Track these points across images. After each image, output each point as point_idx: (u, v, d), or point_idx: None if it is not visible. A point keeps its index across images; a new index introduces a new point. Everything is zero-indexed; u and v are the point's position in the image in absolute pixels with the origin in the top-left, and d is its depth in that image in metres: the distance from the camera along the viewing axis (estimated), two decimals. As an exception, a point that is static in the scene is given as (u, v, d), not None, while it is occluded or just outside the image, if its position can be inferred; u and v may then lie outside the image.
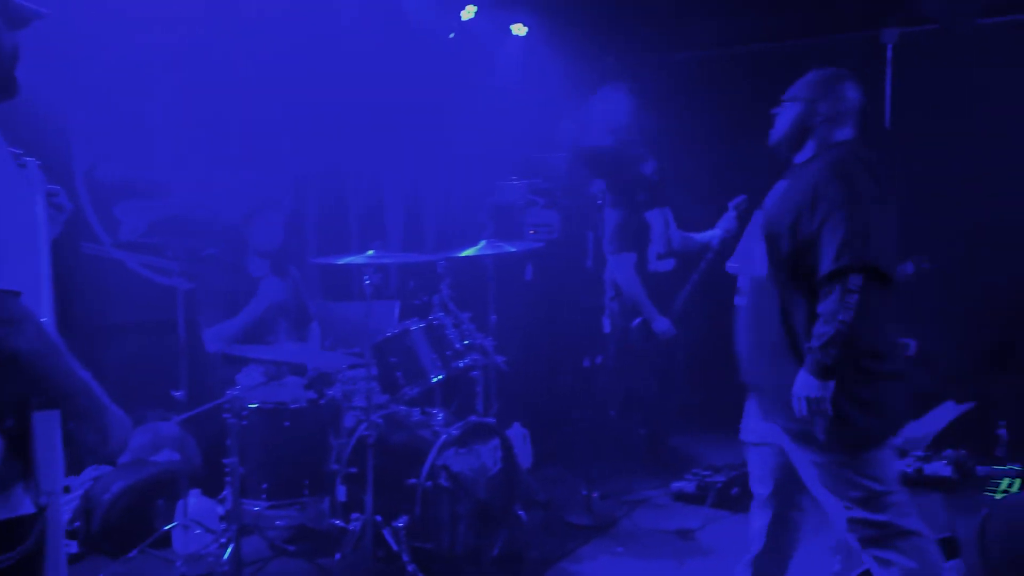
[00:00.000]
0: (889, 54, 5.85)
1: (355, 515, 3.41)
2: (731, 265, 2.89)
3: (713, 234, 4.58)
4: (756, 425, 2.80)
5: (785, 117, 2.85)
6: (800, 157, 2.80)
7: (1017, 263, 5.32)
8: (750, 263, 2.72)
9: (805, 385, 2.48)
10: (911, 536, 2.59)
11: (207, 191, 4.73)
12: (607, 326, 4.47)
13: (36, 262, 1.65)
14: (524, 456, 5.00)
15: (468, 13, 5.70)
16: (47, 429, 1.54)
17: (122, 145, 4.38)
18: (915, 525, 2.60)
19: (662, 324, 4.65)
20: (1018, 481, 4.58)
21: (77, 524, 3.72)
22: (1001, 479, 4.62)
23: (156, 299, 4.35)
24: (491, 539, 3.67)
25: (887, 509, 2.58)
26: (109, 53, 4.20)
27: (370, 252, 3.49)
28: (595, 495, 4.47)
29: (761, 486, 2.83)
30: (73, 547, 3.63)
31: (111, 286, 4.35)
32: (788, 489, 2.79)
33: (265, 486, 3.55)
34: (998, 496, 4.39)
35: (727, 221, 4.48)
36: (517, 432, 4.99)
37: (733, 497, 4.33)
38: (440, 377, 3.78)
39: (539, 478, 4.81)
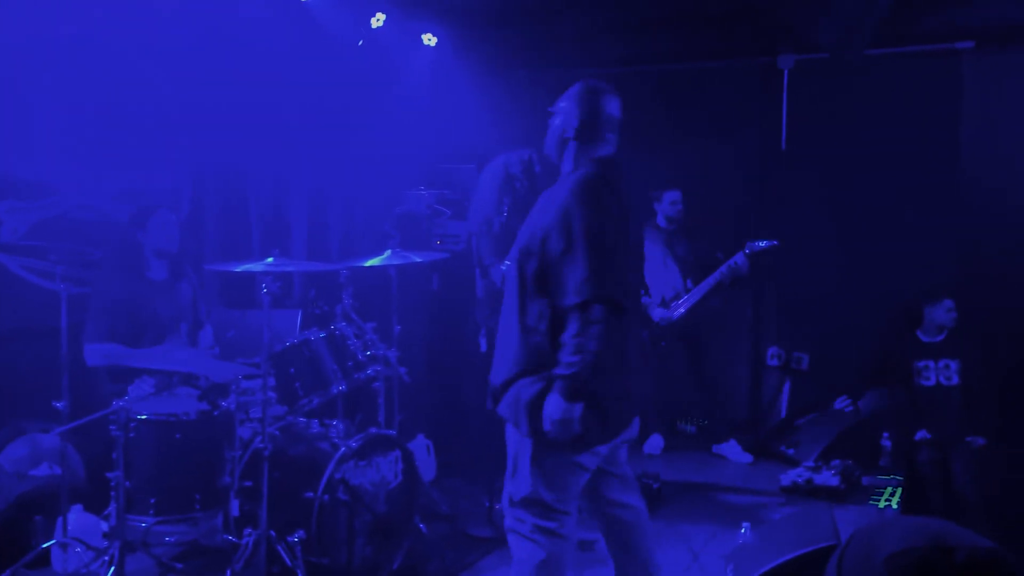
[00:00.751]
0: (785, 79, 6.10)
1: (248, 530, 3.30)
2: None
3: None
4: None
5: (551, 126, 2.83)
6: (564, 168, 2.82)
7: (899, 277, 5.62)
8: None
9: (556, 407, 2.55)
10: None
11: (96, 192, 4.52)
12: (483, 345, 4.46)
13: None
14: (427, 468, 4.95)
15: (377, 21, 5.65)
16: None
17: (6, 142, 4.13)
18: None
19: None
20: (900, 490, 4.83)
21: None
22: (885, 488, 4.86)
23: (38, 304, 4.11)
24: (390, 553, 3.62)
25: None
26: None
27: (269, 259, 3.41)
28: (497, 507, 4.46)
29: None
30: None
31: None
32: (590, 497, 2.85)
33: (153, 501, 3.40)
34: (881, 505, 4.61)
35: None
36: (421, 444, 4.95)
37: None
38: (341, 388, 3.71)
39: (442, 490, 4.78)
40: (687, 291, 5.54)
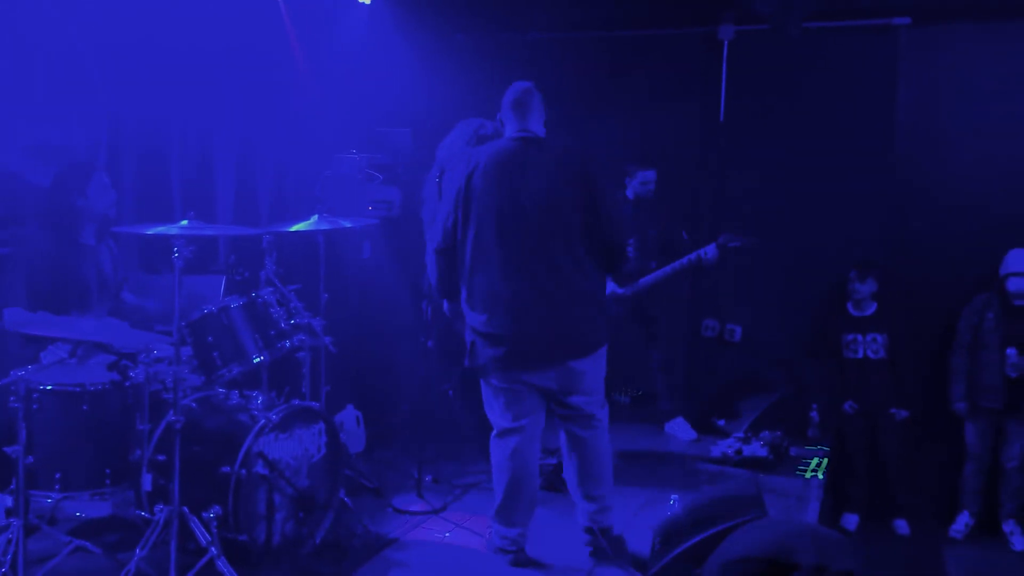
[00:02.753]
0: (725, 50, 6.06)
1: (160, 506, 3.15)
2: None
3: None
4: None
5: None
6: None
7: (832, 250, 5.67)
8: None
9: None
10: None
11: (2, 146, 4.23)
12: (427, 312, 4.38)
13: None
14: (357, 440, 4.84)
15: (310, -26, 5.42)
16: None
17: None
18: None
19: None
20: (826, 461, 4.90)
21: None
22: (812, 459, 4.93)
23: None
24: (312, 528, 3.52)
25: None
26: None
27: (183, 222, 3.23)
28: (427, 478, 4.39)
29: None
30: None
31: None
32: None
33: (59, 475, 3.22)
34: (807, 476, 4.67)
35: None
36: (350, 415, 4.83)
37: (563, 480, 4.35)
38: (262, 358, 3.56)
39: (373, 462, 4.68)
40: (649, 270, 5.39)
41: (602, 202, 3.46)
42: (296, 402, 3.54)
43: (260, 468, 3.22)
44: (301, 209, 5.26)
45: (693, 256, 5.22)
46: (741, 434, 5.10)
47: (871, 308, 5.40)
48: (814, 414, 5.48)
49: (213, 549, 3.04)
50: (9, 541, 3.03)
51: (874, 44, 5.69)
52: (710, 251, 5.18)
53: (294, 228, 3.96)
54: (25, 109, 4.33)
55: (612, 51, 6.33)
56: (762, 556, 1.02)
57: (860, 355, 5.36)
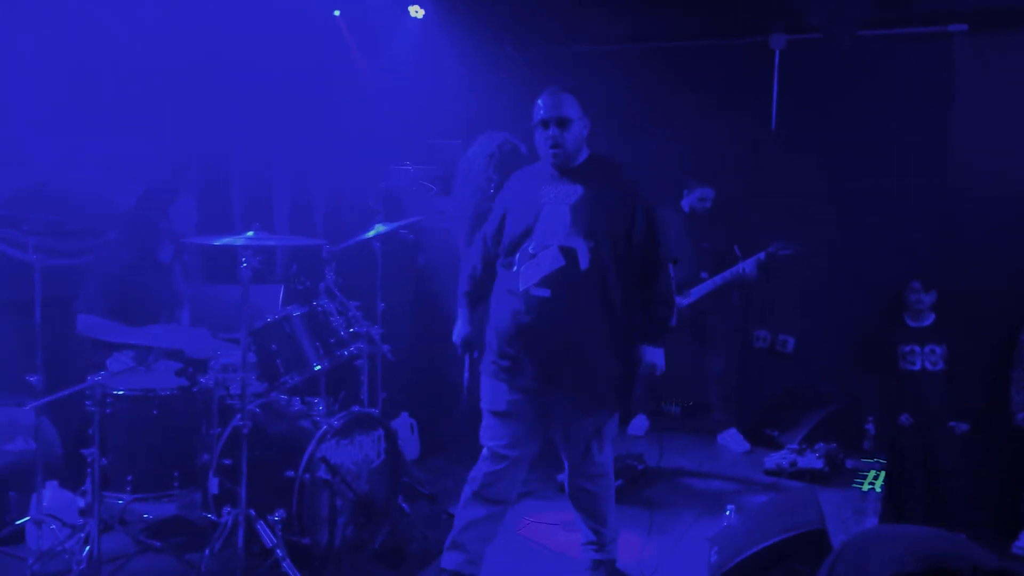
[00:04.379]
0: (777, 59, 6.04)
1: (227, 508, 3.24)
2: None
3: None
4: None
5: (573, 133, 3.13)
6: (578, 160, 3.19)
7: (887, 260, 5.60)
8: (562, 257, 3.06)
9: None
10: None
11: (74, 162, 4.40)
12: None
13: None
14: (411, 447, 4.91)
15: (365, -8, 5.54)
16: None
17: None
18: None
19: None
20: (883, 474, 4.83)
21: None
22: (868, 471, 4.86)
23: (11, 276, 4.01)
24: (372, 533, 3.57)
25: None
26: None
27: (250, 233, 3.33)
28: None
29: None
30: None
31: (-40, 260, 3.98)
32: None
33: (130, 478, 3.35)
34: (865, 488, 4.61)
35: None
36: (404, 422, 4.90)
37: (618, 488, 4.36)
38: (323, 366, 3.64)
39: (425, 469, 4.74)
40: (700, 280, 5.43)
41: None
42: (356, 409, 3.61)
43: (323, 473, 3.30)
44: (356, 221, 5.37)
45: (733, 271, 5.27)
46: (795, 446, 5.05)
47: (929, 319, 5.32)
48: (870, 426, 5.41)
49: (279, 551, 3.11)
50: (85, 540, 3.14)
51: (929, 52, 5.62)
52: (748, 266, 5.26)
53: (372, 233, 4.09)
54: (95, 128, 4.51)
55: (662, 63, 6.34)
56: (917, 571, 1.00)
57: (917, 367, 5.28)
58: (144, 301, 3.73)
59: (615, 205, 3.09)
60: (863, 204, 5.78)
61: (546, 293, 3.01)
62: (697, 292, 5.40)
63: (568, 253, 3.01)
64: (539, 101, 3.13)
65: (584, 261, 3.01)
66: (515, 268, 3.10)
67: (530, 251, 3.06)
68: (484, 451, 3.24)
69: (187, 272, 4.08)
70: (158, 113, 4.82)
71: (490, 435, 3.21)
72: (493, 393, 3.19)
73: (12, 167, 4.15)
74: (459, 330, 3.42)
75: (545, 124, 3.09)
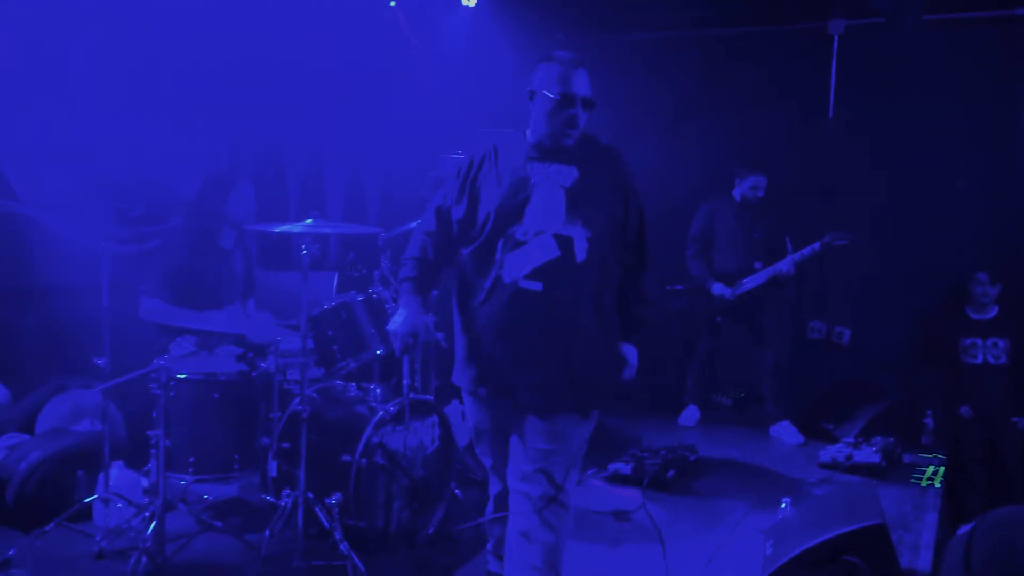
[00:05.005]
0: (835, 45, 5.91)
1: (286, 491, 3.30)
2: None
3: None
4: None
5: (582, 116, 2.72)
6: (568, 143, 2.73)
7: (947, 251, 5.46)
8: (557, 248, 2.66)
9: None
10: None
11: (136, 151, 4.51)
12: None
13: None
14: (462, 434, 4.93)
15: (418, -19, 5.57)
16: None
17: (43, 99, 4.13)
18: None
19: None
20: (942, 469, 4.73)
21: (-12, 495, 3.53)
22: (927, 467, 4.76)
23: (79, 262, 4.13)
24: (426, 518, 3.61)
25: None
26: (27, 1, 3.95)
27: (308, 221, 3.37)
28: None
29: None
30: (-16, 520, 3.44)
31: (30, 246, 4.11)
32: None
33: (192, 459, 3.44)
34: (924, 484, 4.52)
35: None
36: (455, 409, 4.92)
37: (669, 479, 4.36)
38: (379, 352, 3.68)
39: (477, 456, 4.75)
40: (753, 271, 5.38)
41: None
42: (411, 395, 3.64)
43: (379, 458, 3.34)
44: (408, 209, 5.41)
45: (777, 268, 5.21)
46: (851, 439, 4.97)
47: (992, 312, 5.18)
48: (928, 420, 5.29)
49: (337, 534, 3.16)
50: (149, 519, 3.23)
51: (995, 36, 5.45)
52: (786, 264, 5.22)
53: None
54: (155, 119, 4.61)
55: (716, 50, 6.26)
56: None
57: (979, 360, 5.15)
58: (205, 287, 3.80)
59: (610, 192, 2.74)
60: (924, 193, 5.65)
61: (538, 287, 2.61)
62: (750, 283, 5.34)
63: (564, 242, 2.63)
64: (565, 71, 2.68)
65: (580, 252, 2.63)
66: (497, 256, 2.65)
67: (518, 237, 2.63)
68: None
69: (249, 258, 4.14)
70: (216, 104, 4.91)
71: (485, 453, 2.99)
72: (473, 408, 2.91)
73: (79, 158, 4.26)
74: (405, 320, 2.81)
75: (571, 100, 2.66)
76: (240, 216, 3.92)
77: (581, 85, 2.69)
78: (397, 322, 2.82)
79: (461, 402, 4.94)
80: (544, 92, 2.68)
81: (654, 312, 2.90)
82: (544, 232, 2.63)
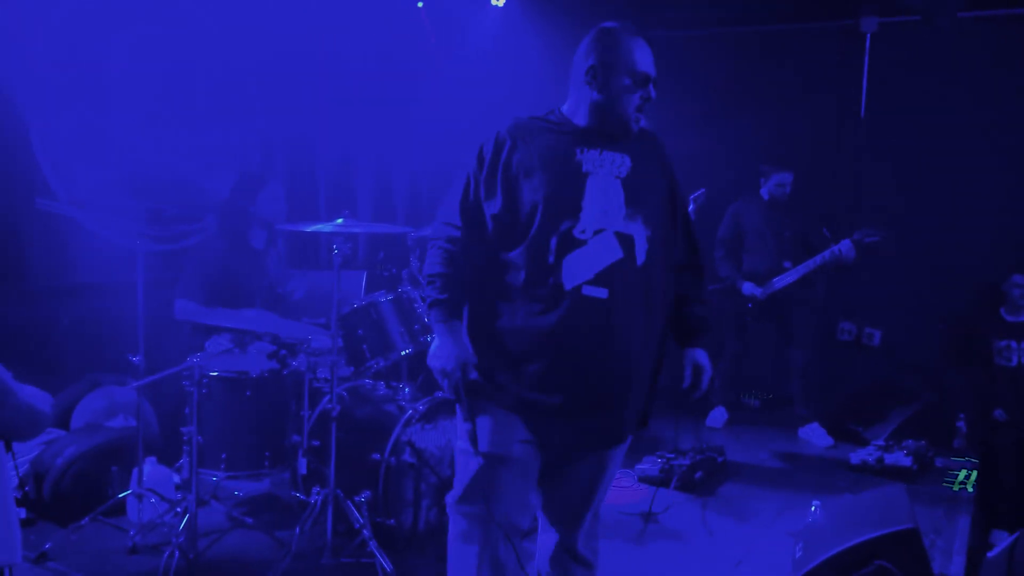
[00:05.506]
0: (868, 43, 5.85)
1: (316, 488, 3.34)
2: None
3: None
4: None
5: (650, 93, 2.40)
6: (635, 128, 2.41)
7: (980, 252, 5.38)
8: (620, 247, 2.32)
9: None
10: None
11: (169, 151, 4.57)
12: None
13: None
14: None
15: (446, -19, 5.59)
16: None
17: (84, 100, 4.20)
18: None
19: None
20: (975, 473, 4.66)
21: (27, 489, 3.60)
22: (959, 470, 4.70)
23: (114, 260, 4.20)
24: (454, 516, 3.62)
25: None
26: (64, 3, 4.01)
27: (339, 220, 3.40)
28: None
29: None
30: (22, 513, 3.50)
31: (67, 244, 4.19)
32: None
33: (224, 456, 3.47)
34: (956, 488, 4.46)
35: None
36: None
37: (697, 480, 4.34)
38: (408, 351, 3.70)
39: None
40: (783, 270, 5.31)
41: None
42: (439, 394, 3.65)
43: (408, 456, 3.36)
44: (435, 208, 5.43)
45: (827, 253, 5.09)
46: (882, 442, 4.92)
47: (1027, 313, 5.10)
48: (961, 424, 5.22)
49: (365, 531, 3.18)
50: (180, 514, 3.28)
51: (1032, 33, 5.37)
52: (845, 247, 5.03)
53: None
54: (187, 119, 4.67)
55: (747, 47, 6.22)
56: None
57: (1014, 363, 5.07)
58: (237, 286, 3.84)
59: (662, 183, 2.43)
60: (957, 192, 5.57)
61: (603, 294, 2.25)
62: (781, 281, 5.28)
63: (625, 242, 2.29)
64: (638, 47, 2.35)
65: (641, 253, 2.30)
66: (551, 259, 2.26)
67: (576, 236, 2.26)
68: (458, 517, 2.44)
69: (282, 258, 4.19)
70: (246, 105, 4.96)
71: (482, 492, 2.33)
72: (501, 431, 2.32)
73: (114, 157, 4.33)
74: (450, 353, 2.30)
75: (644, 80, 2.33)
76: (270, 216, 3.95)
77: (651, 63, 2.37)
78: (441, 357, 2.31)
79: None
80: (614, 70, 2.31)
81: (712, 313, 2.60)
82: (605, 230, 2.27)
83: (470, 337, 2.36)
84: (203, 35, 4.68)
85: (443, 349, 2.31)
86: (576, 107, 2.38)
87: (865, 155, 5.93)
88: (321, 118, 5.41)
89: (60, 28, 4.02)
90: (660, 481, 4.34)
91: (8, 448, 1.52)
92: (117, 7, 4.25)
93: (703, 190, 4.49)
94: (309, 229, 3.42)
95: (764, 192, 5.44)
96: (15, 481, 3.50)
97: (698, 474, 4.37)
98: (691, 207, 4.43)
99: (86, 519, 3.38)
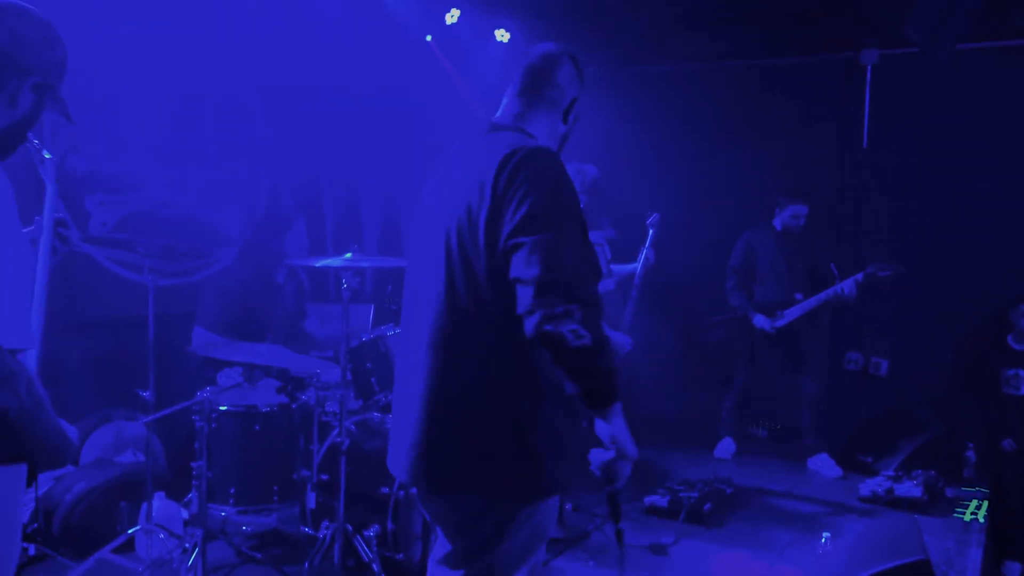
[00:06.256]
0: (868, 75, 5.92)
1: (325, 523, 3.33)
2: None
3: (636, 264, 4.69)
4: None
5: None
6: None
7: (986, 281, 5.39)
8: None
9: None
10: None
11: (180, 188, 4.64)
12: None
13: (30, 312, 1.62)
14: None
15: (452, 17, 5.68)
16: (12, 487, 1.47)
17: (92, 137, 4.27)
18: None
19: (619, 338, 4.40)
20: (985, 503, 4.63)
21: (36, 525, 3.60)
22: (970, 501, 4.67)
23: (125, 296, 4.24)
24: (463, 550, 3.61)
25: None
26: (78, 42, 4.09)
27: (348, 255, 3.43)
28: (567, 507, 4.43)
29: None
30: (31, 550, 3.51)
31: (79, 281, 4.23)
32: None
33: (233, 491, 3.47)
34: (967, 518, 4.43)
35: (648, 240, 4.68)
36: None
37: (706, 513, 4.32)
38: (416, 384, 3.71)
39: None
40: (795, 301, 5.33)
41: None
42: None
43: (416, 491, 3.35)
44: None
45: (831, 291, 5.14)
46: (891, 472, 4.90)
47: (1034, 342, 5.10)
48: (970, 453, 5.20)
49: (375, 566, 3.18)
50: (188, 550, 3.28)
51: (1032, 65, 5.43)
52: (847, 287, 5.10)
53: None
54: (196, 156, 4.74)
55: (749, 80, 6.29)
56: None
57: (1022, 392, 5.06)
58: (257, 319, 3.89)
59: None
60: (961, 222, 5.59)
61: None
62: (791, 314, 5.30)
63: None
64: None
65: None
66: None
67: None
68: None
69: (302, 291, 4.25)
70: (254, 140, 5.04)
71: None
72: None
73: (126, 193, 4.39)
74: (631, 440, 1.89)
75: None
76: (295, 254, 4.03)
77: None
78: (631, 443, 1.86)
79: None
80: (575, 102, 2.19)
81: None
82: None
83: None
84: (211, 72, 4.76)
85: (625, 434, 1.86)
86: (547, 134, 2.16)
87: (868, 185, 5.97)
88: (328, 152, 5.48)
89: (76, 71, 4.08)
90: (668, 513, 4.32)
91: (32, 478, 1.54)
92: (127, 48, 4.33)
93: (656, 215, 4.68)
94: (319, 264, 3.45)
95: (777, 223, 5.47)
96: (25, 517, 3.51)
97: (707, 506, 4.35)
98: (650, 232, 4.67)
99: (94, 557, 3.37)
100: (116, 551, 3.44)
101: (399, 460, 2.03)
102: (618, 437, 1.83)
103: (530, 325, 1.79)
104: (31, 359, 1.61)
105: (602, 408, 1.84)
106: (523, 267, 1.81)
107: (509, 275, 1.84)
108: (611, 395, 1.83)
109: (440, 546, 2.13)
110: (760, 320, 5.34)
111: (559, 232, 1.84)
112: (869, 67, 5.92)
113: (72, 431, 1.60)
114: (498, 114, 2.21)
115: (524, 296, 1.81)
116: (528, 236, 1.82)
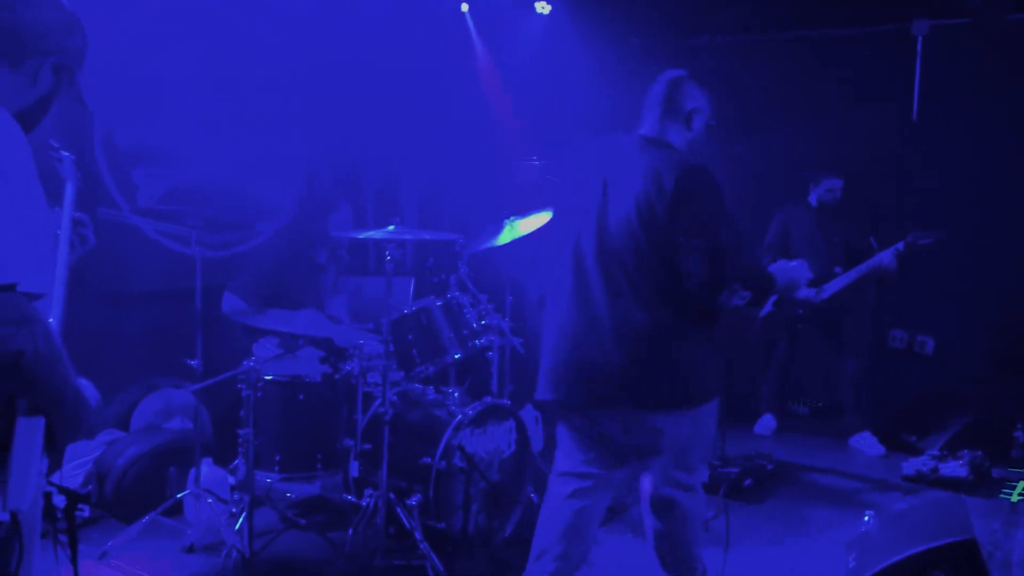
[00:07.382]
0: (919, 46, 5.76)
1: (368, 491, 3.39)
2: None
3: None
4: None
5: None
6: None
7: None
8: None
9: None
10: None
11: (219, 161, 4.69)
12: None
13: (53, 262, 1.65)
14: (536, 438, 4.97)
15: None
16: (29, 437, 1.47)
17: (141, 110, 4.33)
18: None
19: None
20: (1034, 483, 4.55)
21: (90, 488, 3.71)
22: (1017, 482, 4.59)
23: (172, 267, 4.32)
24: (503, 521, 3.65)
25: None
26: (127, 17, 4.14)
27: (391, 227, 3.45)
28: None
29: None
30: (86, 511, 3.62)
31: (128, 252, 4.31)
32: None
33: (278, 458, 3.55)
34: (1014, 499, 4.36)
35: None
36: (530, 414, 4.96)
37: (746, 488, 4.31)
38: (458, 356, 3.74)
39: (550, 460, 4.78)
40: (834, 275, 5.25)
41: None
42: (489, 399, 3.69)
43: (458, 461, 3.39)
44: (482, 216, 5.48)
45: (872, 263, 5.04)
46: (936, 452, 4.82)
47: (1087, 321, 4.97)
48: (1018, 433, 5.09)
49: (417, 534, 3.22)
50: (235, 514, 3.35)
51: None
52: (887, 258, 5.00)
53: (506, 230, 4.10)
54: (238, 127, 4.78)
55: (795, 53, 6.16)
56: None
57: (1073, 371, 4.94)
58: (293, 295, 3.93)
59: None
60: (1012, 197, 5.45)
61: None
62: (831, 287, 5.22)
63: None
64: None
65: None
66: None
67: None
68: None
69: (341, 267, 4.28)
70: (295, 114, 5.06)
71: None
72: None
73: (170, 166, 4.45)
74: None
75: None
76: (337, 233, 4.08)
77: None
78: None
79: (535, 407, 5.01)
80: (707, 117, 2.85)
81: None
82: None
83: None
84: (251, 48, 4.78)
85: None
86: (686, 145, 2.79)
87: (919, 159, 5.83)
88: (367, 127, 5.49)
89: (124, 47, 4.15)
90: (708, 488, 4.29)
91: (58, 455, 1.56)
92: (171, 23, 4.37)
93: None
94: (362, 236, 3.48)
95: (812, 198, 5.39)
96: (79, 479, 3.61)
97: (747, 481, 4.33)
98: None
99: (146, 519, 3.47)
100: (165, 514, 3.53)
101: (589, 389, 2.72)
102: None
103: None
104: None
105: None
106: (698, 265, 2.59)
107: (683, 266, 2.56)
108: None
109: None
110: (804, 292, 5.26)
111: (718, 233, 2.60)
112: (920, 38, 5.76)
113: (92, 391, 1.63)
114: (643, 129, 2.81)
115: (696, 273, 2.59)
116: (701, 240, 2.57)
